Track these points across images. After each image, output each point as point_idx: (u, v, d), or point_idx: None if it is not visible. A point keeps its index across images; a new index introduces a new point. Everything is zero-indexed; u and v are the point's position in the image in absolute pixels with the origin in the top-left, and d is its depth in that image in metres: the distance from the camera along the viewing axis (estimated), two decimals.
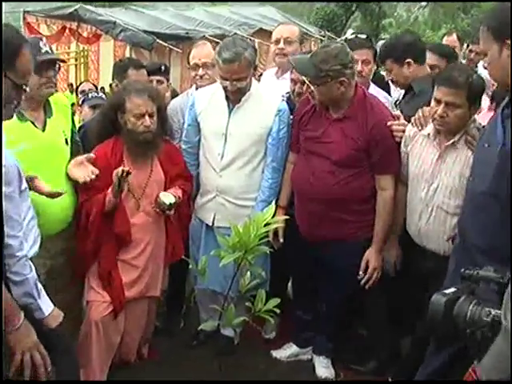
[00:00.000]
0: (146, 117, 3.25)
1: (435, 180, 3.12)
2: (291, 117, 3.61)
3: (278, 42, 4.19)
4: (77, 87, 5.53)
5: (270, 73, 4.45)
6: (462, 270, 1.87)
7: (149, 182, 3.39)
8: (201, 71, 3.92)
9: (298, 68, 3.49)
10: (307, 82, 3.32)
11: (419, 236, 3.24)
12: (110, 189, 3.23)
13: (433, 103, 3.08)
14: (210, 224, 3.68)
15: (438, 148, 3.13)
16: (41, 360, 2.32)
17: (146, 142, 3.30)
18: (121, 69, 3.95)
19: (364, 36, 4.22)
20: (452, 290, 1.82)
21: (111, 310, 3.33)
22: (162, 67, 4.30)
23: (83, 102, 4.45)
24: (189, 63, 4.07)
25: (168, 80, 4.36)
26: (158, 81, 4.15)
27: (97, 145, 3.39)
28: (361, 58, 3.88)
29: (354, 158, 3.33)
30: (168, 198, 3.33)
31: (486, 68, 2.55)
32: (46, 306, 2.53)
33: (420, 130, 3.23)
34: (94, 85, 5.80)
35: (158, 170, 3.44)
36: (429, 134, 3.17)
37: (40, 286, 2.51)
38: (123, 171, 3.15)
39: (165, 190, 3.41)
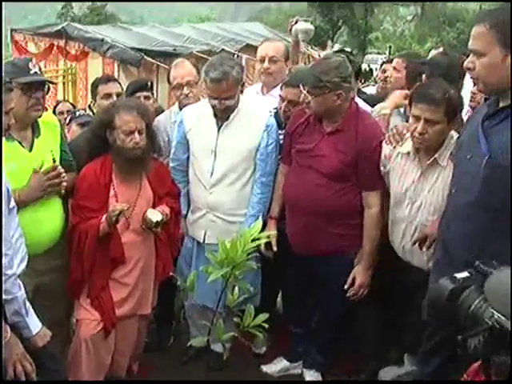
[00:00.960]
0: (136, 133, 3.25)
1: (418, 198, 3.13)
2: (280, 131, 3.64)
3: (263, 60, 4.16)
4: (54, 107, 5.45)
5: (254, 89, 4.42)
6: (477, 262, 1.80)
7: (138, 201, 3.39)
8: (185, 90, 3.90)
9: (296, 77, 3.51)
10: (304, 92, 3.32)
11: (403, 252, 3.26)
12: (104, 217, 3.23)
13: (411, 121, 3.08)
14: (201, 241, 3.68)
15: (419, 166, 3.14)
16: (30, 368, 2.42)
17: (136, 159, 3.29)
18: (93, 86, 4.01)
19: (348, 50, 4.29)
20: (464, 275, 1.76)
21: (101, 329, 3.32)
22: (149, 83, 4.33)
23: (70, 120, 4.44)
24: (169, 82, 4.04)
25: (153, 96, 4.38)
26: (145, 97, 4.17)
27: (87, 163, 3.38)
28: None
29: (343, 172, 3.34)
30: (155, 215, 3.33)
31: (469, 69, 2.46)
32: (34, 324, 2.55)
33: (394, 148, 3.24)
34: (72, 104, 5.74)
35: (147, 188, 3.44)
36: (409, 153, 3.17)
37: (28, 304, 2.53)
38: (121, 211, 3.17)
39: (153, 207, 3.41)
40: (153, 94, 4.41)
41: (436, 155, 3.06)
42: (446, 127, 3.02)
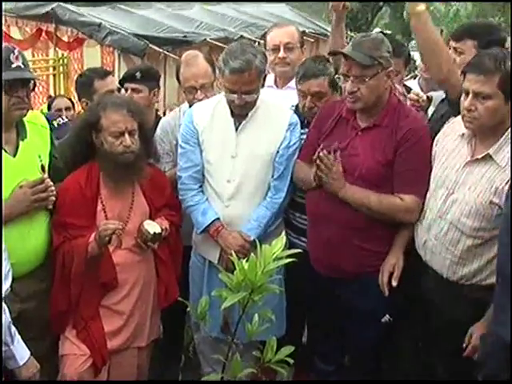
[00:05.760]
0: (126, 135, 3.24)
1: (456, 191, 3.02)
2: (301, 131, 3.65)
3: (276, 49, 4.15)
4: (49, 103, 5.50)
5: (266, 83, 4.18)
6: None
7: (131, 215, 3.39)
8: (199, 94, 3.84)
9: (356, 57, 3.34)
10: (349, 80, 3.26)
11: (424, 249, 3.19)
12: (92, 236, 3.23)
13: (462, 97, 2.96)
14: (216, 261, 3.65)
15: (470, 153, 3.01)
16: None
17: (127, 165, 3.28)
18: (85, 84, 3.96)
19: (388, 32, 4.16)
20: None
21: (90, 365, 3.30)
22: (138, 74, 4.22)
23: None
24: (179, 81, 3.96)
25: (153, 89, 4.29)
26: (133, 89, 4.15)
27: (70, 173, 3.37)
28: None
29: (380, 174, 3.29)
30: (153, 226, 3.33)
31: None
32: (21, 353, 2.58)
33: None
34: (70, 100, 5.79)
35: (141, 199, 3.44)
36: (463, 134, 3.06)
37: (14, 329, 2.56)
38: (115, 231, 3.16)
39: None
40: (159, 86, 4.33)
41: (491, 150, 2.89)
42: (502, 105, 2.82)
